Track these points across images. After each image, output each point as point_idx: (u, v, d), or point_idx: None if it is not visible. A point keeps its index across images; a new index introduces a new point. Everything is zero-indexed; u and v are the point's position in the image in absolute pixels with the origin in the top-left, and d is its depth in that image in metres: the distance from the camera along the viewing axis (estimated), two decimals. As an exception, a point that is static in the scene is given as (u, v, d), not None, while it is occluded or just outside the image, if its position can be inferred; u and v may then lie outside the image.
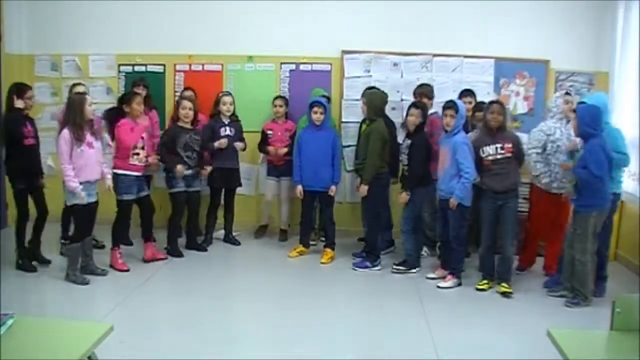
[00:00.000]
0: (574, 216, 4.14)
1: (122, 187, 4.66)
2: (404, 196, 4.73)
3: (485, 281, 4.50)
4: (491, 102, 4.55)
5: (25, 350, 2.05)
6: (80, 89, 4.88)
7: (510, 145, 4.35)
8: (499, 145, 4.34)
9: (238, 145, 5.38)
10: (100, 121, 5.17)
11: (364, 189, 4.82)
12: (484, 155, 4.38)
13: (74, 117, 4.24)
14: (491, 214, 4.42)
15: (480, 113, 4.77)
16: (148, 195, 4.93)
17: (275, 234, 5.82)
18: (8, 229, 5.81)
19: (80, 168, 4.26)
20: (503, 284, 4.42)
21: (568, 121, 4.57)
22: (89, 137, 4.31)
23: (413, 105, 4.79)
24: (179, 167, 4.96)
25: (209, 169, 5.24)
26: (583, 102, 4.29)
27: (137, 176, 4.73)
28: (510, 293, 4.36)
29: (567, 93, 4.76)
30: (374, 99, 4.89)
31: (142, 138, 4.75)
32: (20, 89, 4.60)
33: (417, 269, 4.79)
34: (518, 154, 4.43)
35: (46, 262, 4.73)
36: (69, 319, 3.20)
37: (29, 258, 4.66)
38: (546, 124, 4.64)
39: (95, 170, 4.37)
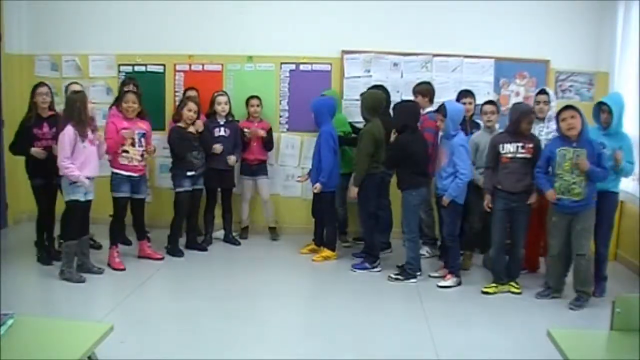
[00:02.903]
0: (576, 216, 4.10)
1: (113, 184, 4.72)
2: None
3: (494, 284, 4.45)
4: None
5: (25, 350, 2.05)
6: (76, 87, 4.87)
7: (531, 146, 4.29)
8: (520, 145, 4.30)
9: (231, 159, 5.33)
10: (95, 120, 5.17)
11: (354, 190, 4.80)
12: (503, 152, 4.32)
13: (79, 114, 4.27)
14: (503, 215, 4.38)
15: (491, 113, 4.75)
16: (142, 199, 4.93)
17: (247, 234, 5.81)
18: (8, 229, 5.83)
19: (82, 164, 4.29)
20: (512, 284, 4.45)
21: (542, 118, 4.58)
22: (90, 135, 4.35)
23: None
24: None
25: (218, 147, 5.24)
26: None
27: (128, 176, 4.71)
28: (520, 293, 4.39)
29: (541, 91, 4.70)
30: (367, 99, 4.86)
31: (131, 137, 4.68)
32: (34, 88, 4.66)
33: (415, 280, 4.65)
34: (537, 157, 4.32)
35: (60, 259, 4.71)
36: (69, 319, 3.20)
37: (48, 252, 4.77)
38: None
39: (95, 167, 4.41)
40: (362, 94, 5.02)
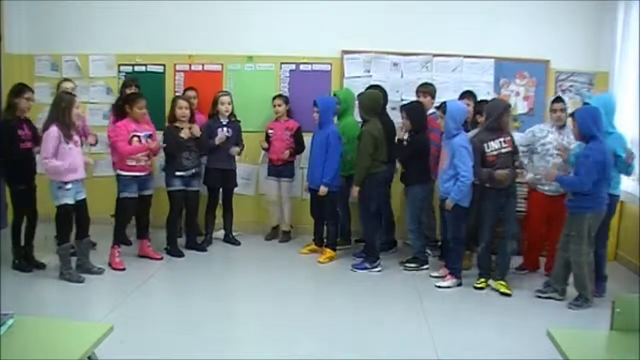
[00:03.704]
0: (568, 218, 4.14)
1: (120, 185, 4.75)
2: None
3: (482, 279, 4.53)
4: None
5: (25, 350, 2.05)
6: (68, 85, 4.86)
7: (509, 138, 4.41)
8: (502, 140, 4.36)
9: (234, 150, 5.34)
10: (86, 120, 5.17)
11: (355, 190, 4.81)
12: (488, 151, 4.36)
13: (63, 115, 4.25)
14: (495, 214, 4.42)
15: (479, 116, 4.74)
16: (150, 195, 4.95)
17: (277, 234, 5.82)
18: (8, 229, 5.81)
19: (68, 167, 4.27)
20: (501, 283, 4.44)
21: (561, 126, 4.59)
22: (75, 136, 4.35)
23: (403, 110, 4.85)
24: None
25: (221, 135, 5.26)
26: (587, 104, 4.29)
27: (135, 176, 4.74)
28: (509, 294, 4.37)
29: (557, 99, 4.74)
30: (364, 99, 4.88)
31: (139, 138, 4.71)
32: (19, 90, 4.55)
33: (427, 265, 4.83)
34: (515, 148, 4.47)
35: (41, 266, 4.66)
36: (69, 319, 3.20)
37: (25, 258, 4.64)
38: (539, 126, 4.79)
39: (81, 169, 4.41)
40: (359, 95, 5.02)
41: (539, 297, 4.32)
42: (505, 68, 5.68)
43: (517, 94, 5.70)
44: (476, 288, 4.49)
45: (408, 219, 4.78)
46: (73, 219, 4.46)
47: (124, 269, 4.70)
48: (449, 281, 4.56)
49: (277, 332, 3.73)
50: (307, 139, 5.47)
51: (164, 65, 5.93)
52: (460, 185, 4.36)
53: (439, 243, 5.20)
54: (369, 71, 5.77)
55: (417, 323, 3.87)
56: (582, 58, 5.62)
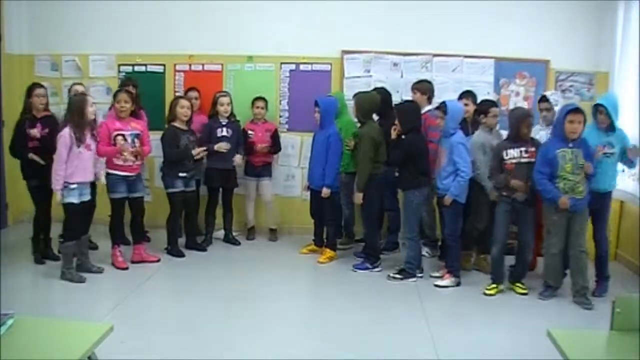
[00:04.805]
0: (574, 216, 4.13)
1: (110, 185, 4.69)
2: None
3: (494, 285, 4.44)
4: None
5: (25, 350, 2.04)
6: (79, 88, 4.88)
7: (533, 150, 4.29)
8: (523, 149, 4.30)
9: (236, 158, 5.31)
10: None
11: (359, 196, 4.77)
12: (507, 158, 4.31)
13: (75, 118, 4.27)
14: (507, 217, 4.39)
15: (490, 115, 4.70)
16: (141, 198, 4.89)
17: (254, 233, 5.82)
18: (8, 229, 5.83)
19: (75, 169, 4.28)
20: (518, 284, 4.46)
21: (549, 124, 4.58)
22: (88, 139, 4.34)
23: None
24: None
25: (223, 144, 5.24)
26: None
27: (123, 176, 4.68)
28: (526, 293, 4.40)
29: (542, 99, 4.72)
30: (362, 101, 4.83)
31: (123, 137, 4.62)
32: (29, 89, 4.64)
33: (414, 279, 4.66)
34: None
35: (57, 259, 4.73)
36: (69, 319, 3.20)
37: (41, 253, 4.77)
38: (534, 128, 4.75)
39: (89, 172, 4.41)
40: (355, 95, 4.98)
41: (543, 300, 4.32)
42: (505, 68, 5.68)
43: (517, 94, 5.71)
44: (487, 295, 4.39)
45: (404, 227, 4.70)
46: (79, 219, 4.46)
47: (127, 268, 4.71)
48: (448, 280, 4.56)
49: (277, 332, 3.73)
50: (309, 139, 5.46)
51: (164, 65, 5.93)
52: (459, 180, 4.38)
53: (439, 243, 5.20)
54: (369, 71, 5.76)
55: (417, 323, 3.87)
56: (582, 58, 5.62)
